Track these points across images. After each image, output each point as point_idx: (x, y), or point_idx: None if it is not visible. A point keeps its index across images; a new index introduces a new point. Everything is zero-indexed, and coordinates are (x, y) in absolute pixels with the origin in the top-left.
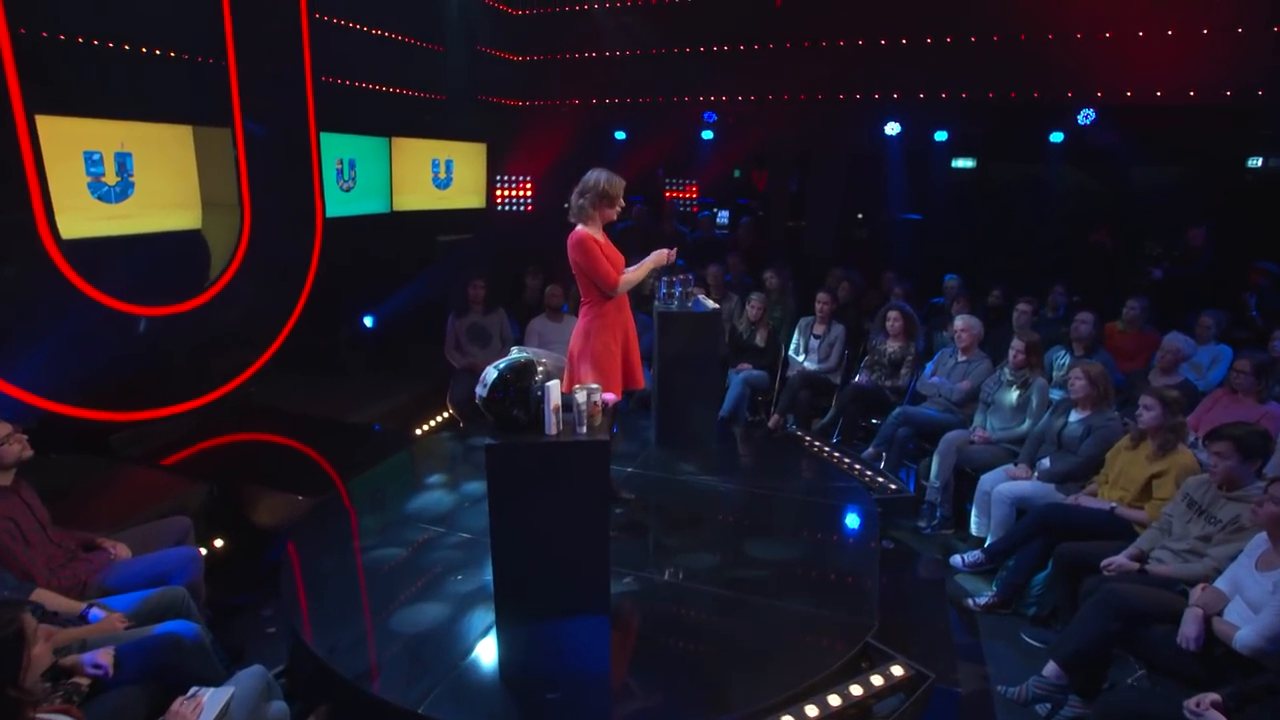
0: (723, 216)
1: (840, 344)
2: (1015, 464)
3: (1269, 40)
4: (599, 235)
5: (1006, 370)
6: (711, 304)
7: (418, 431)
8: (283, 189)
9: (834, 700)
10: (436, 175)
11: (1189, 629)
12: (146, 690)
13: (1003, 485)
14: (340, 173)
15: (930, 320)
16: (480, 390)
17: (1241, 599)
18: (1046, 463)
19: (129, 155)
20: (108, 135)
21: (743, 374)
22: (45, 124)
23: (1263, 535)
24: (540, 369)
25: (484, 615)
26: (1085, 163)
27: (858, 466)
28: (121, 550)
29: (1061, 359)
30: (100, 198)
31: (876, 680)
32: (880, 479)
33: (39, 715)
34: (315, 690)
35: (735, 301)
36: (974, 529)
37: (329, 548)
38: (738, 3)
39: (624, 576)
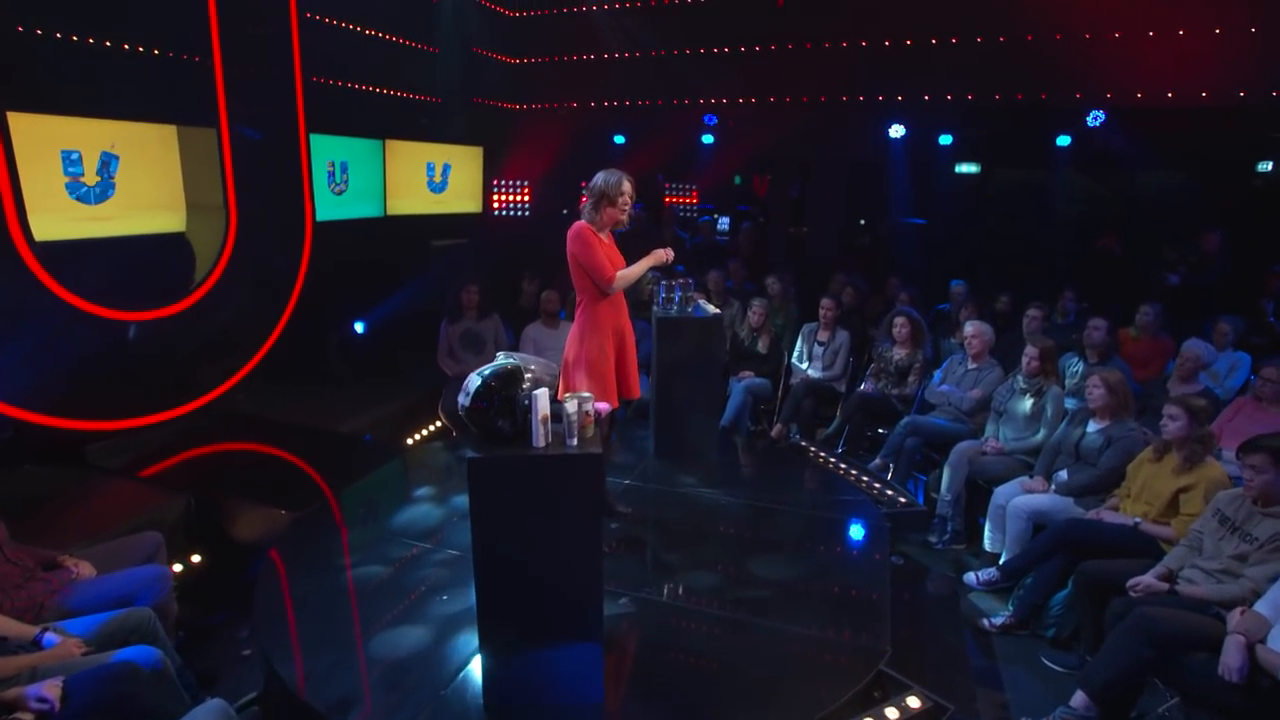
0: (723, 223)
1: (845, 351)
2: (1031, 476)
3: None
4: (602, 234)
5: (1020, 378)
6: (712, 309)
7: (408, 441)
8: (270, 191)
9: None
10: (431, 179)
11: (1232, 659)
12: None
13: (1018, 499)
14: (332, 175)
15: (937, 327)
16: (463, 399)
17: None
18: (1064, 475)
19: (111, 155)
20: (87, 134)
21: (744, 382)
22: (18, 121)
23: None
24: (528, 376)
25: (469, 640)
26: (1091, 168)
27: (865, 478)
28: (85, 569)
29: (1074, 366)
30: (79, 198)
31: (891, 714)
32: (889, 491)
33: None
34: None
35: (736, 307)
36: (988, 544)
37: (309, 564)
38: (739, 3)
39: (620, 597)
